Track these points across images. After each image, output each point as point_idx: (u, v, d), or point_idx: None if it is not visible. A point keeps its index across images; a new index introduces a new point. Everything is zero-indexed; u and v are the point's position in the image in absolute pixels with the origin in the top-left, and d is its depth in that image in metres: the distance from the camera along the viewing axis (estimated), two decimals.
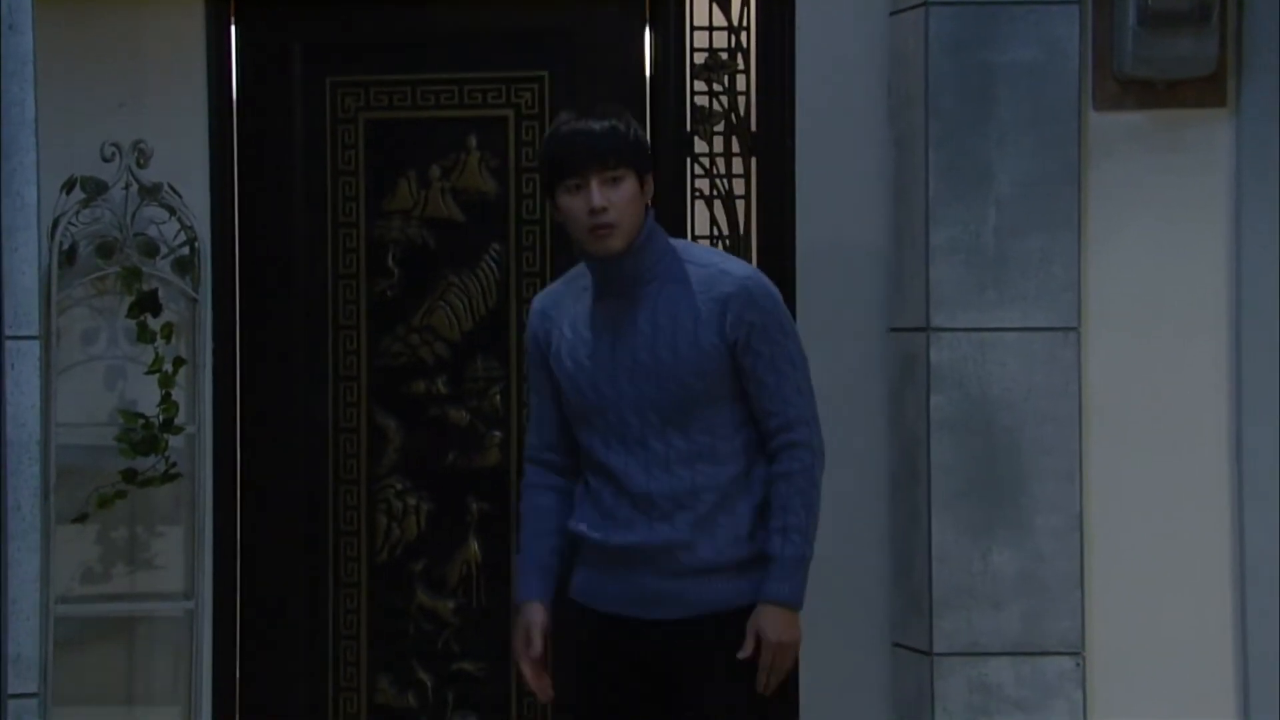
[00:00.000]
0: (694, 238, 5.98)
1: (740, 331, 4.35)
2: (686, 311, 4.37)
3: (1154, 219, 5.84)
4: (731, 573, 4.38)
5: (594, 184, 4.32)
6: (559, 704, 4.63)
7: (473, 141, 5.99)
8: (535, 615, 4.50)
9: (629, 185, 4.34)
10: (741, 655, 4.32)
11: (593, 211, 4.31)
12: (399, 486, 6.04)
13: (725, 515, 4.39)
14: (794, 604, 4.36)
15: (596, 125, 4.35)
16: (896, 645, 5.90)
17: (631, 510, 4.40)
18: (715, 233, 6.02)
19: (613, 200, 4.32)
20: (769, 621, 4.34)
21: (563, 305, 4.52)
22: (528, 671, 4.51)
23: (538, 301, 4.59)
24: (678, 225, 5.95)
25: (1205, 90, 5.80)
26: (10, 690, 4.99)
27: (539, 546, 4.57)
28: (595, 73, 5.96)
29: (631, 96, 5.89)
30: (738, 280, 4.38)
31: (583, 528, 4.47)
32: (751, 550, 4.38)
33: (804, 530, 4.37)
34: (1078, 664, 5.75)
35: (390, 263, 6.01)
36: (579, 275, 4.50)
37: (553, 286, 4.62)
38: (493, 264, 5.97)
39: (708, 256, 4.49)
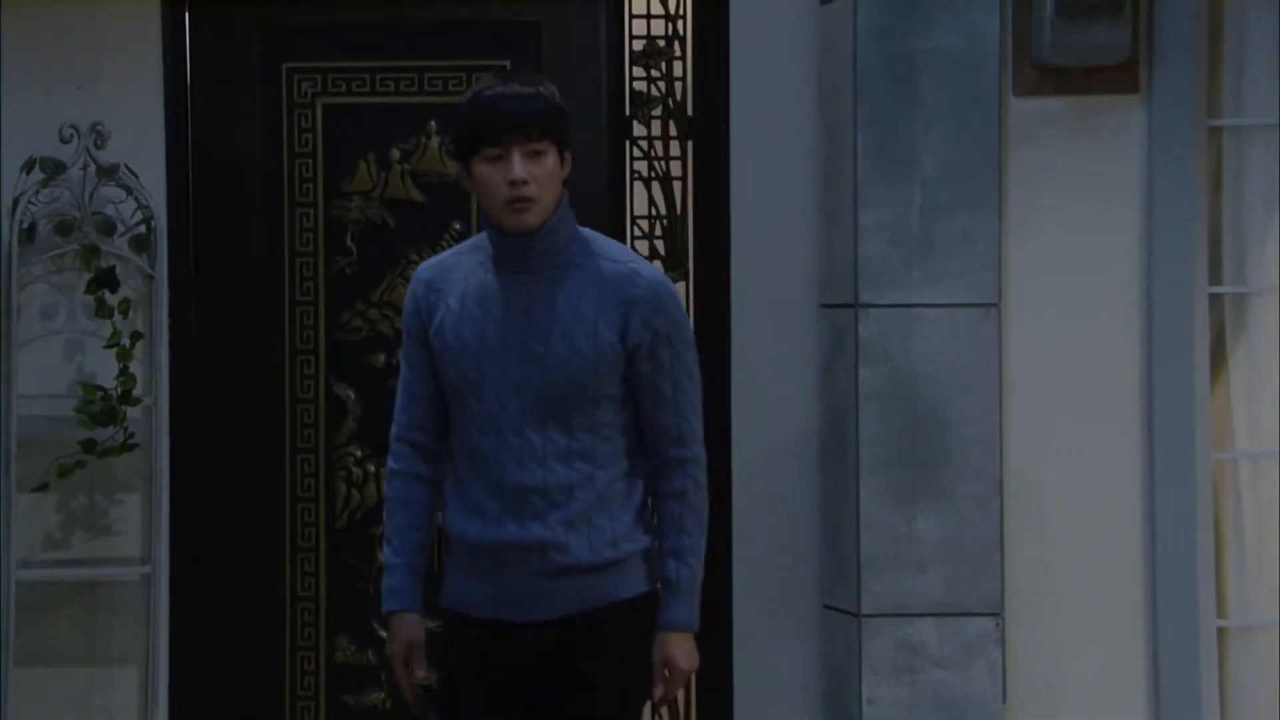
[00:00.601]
0: (633, 218, 5.98)
1: (644, 336, 3.96)
2: (589, 305, 3.96)
3: (1070, 200, 5.82)
4: (604, 572, 3.99)
5: (516, 155, 3.90)
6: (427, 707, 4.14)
7: (433, 126, 5.88)
8: (415, 633, 4.07)
9: (551, 159, 3.94)
10: (657, 697, 4.03)
11: (513, 183, 3.90)
12: (359, 454, 5.94)
13: (600, 516, 3.99)
14: (694, 628, 4.03)
15: (523, 91, 3.95)
16: (826, 607, 5.88)
17: (501, 506, 3.96)
18: (653, 213, 5.99)
19: (534, 173, 3.91)
20: (679, 650, 4.01)
21: (452, 278, 4.06)
22: (404, 686, 4.09)
23: (424, 272, 4.11)
24: (617, 206, 5.96)
25: (1119, 77, 5.78)
26: None
27: (409, 545, 4.10)
28: (556, 61, 5.88)
29: (589, 84, 5.88)
30: (649, 283, 3.99)
31: (457, 529, 4.03)
32: (625, 552, 3.99)
33: (698, 553, 4.02)
34: (997, 624, 5.72)
35: (349, 241, 5.90)
36: (475, 248, 4.09)
37: (442, 257, 4.16)
38: (454, 242, 5.81)
39: (618, 252, 4.08)
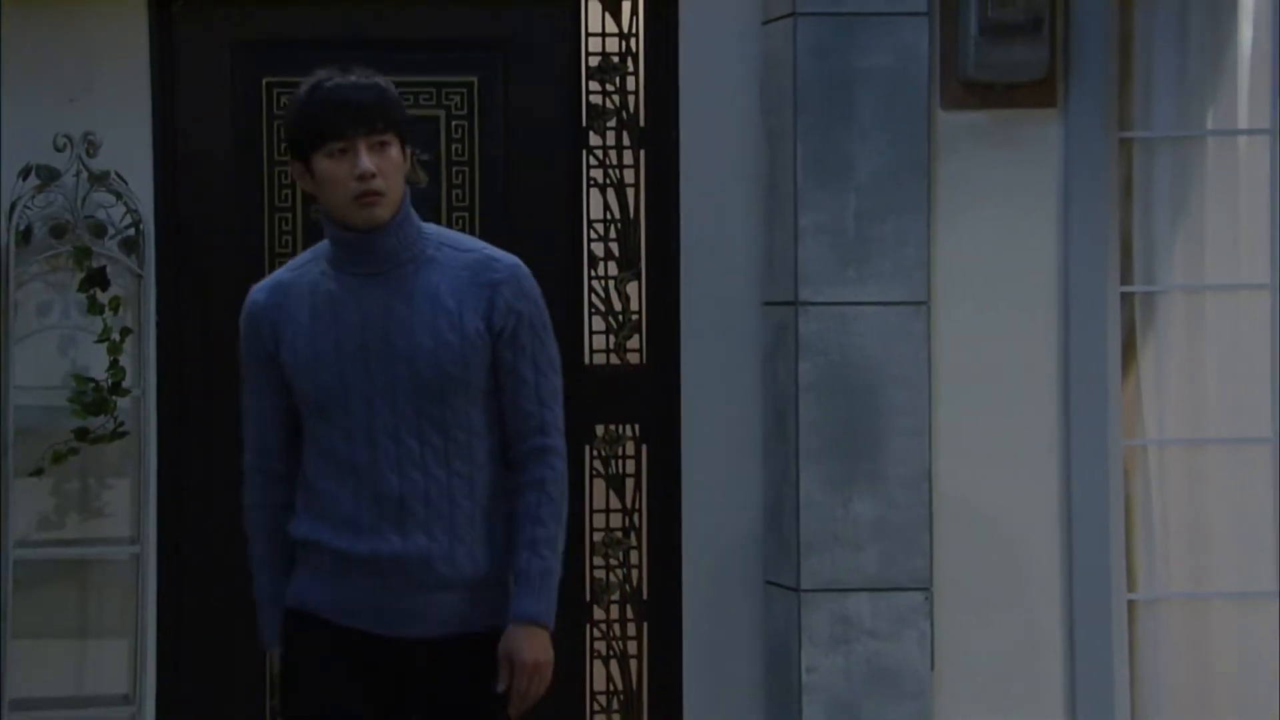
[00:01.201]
0: (589, 222, 5.95)
1: (509, 320, 3.60)
2: (449, 294, 3.59)
3: (994, 206, 5.84)
4: (487, 591, 3.61)
5: (361, 147, 3.51)
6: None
7: None
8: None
9: (394, 150, 3.57)
10: (500, 688, 3.58)
11: (361, 177, 3.51)
12: None
13: (483, 525, 3.60)
14: (546, 622, 3.62)
15: (363, 83, 3.57)
16: (769, 583, 5.87)
17: (378, 516, 3.55)
18: (608, 217, 5.96)
19: (381, 166, 3.53)
20: (523, 643, 3.59)
21: (294, 293, 3.63)
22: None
23: (259, 294, 3.69)
24: (575, 210, 5.92)
25: (1038, 92, 5.78)
26: None
27: (278, 578, 3.69)
28: (519, 76, 5.87)
29: (549, 98, 5.85)
30: (508, 267, 3.64)
31: (324, 542, 3.59)
32: (508, 566, 3.65)
33: (554, 544, 3.64)
34: (926, 598, 5.72)
35: None
36: (312, 260, 3.67)
37: (276, 275, 3.73)
38: None
39: (468, 242, 3.73)
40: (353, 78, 3.58)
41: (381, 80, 3.60)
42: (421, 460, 3.55)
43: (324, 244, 3.66)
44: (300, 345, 3.58)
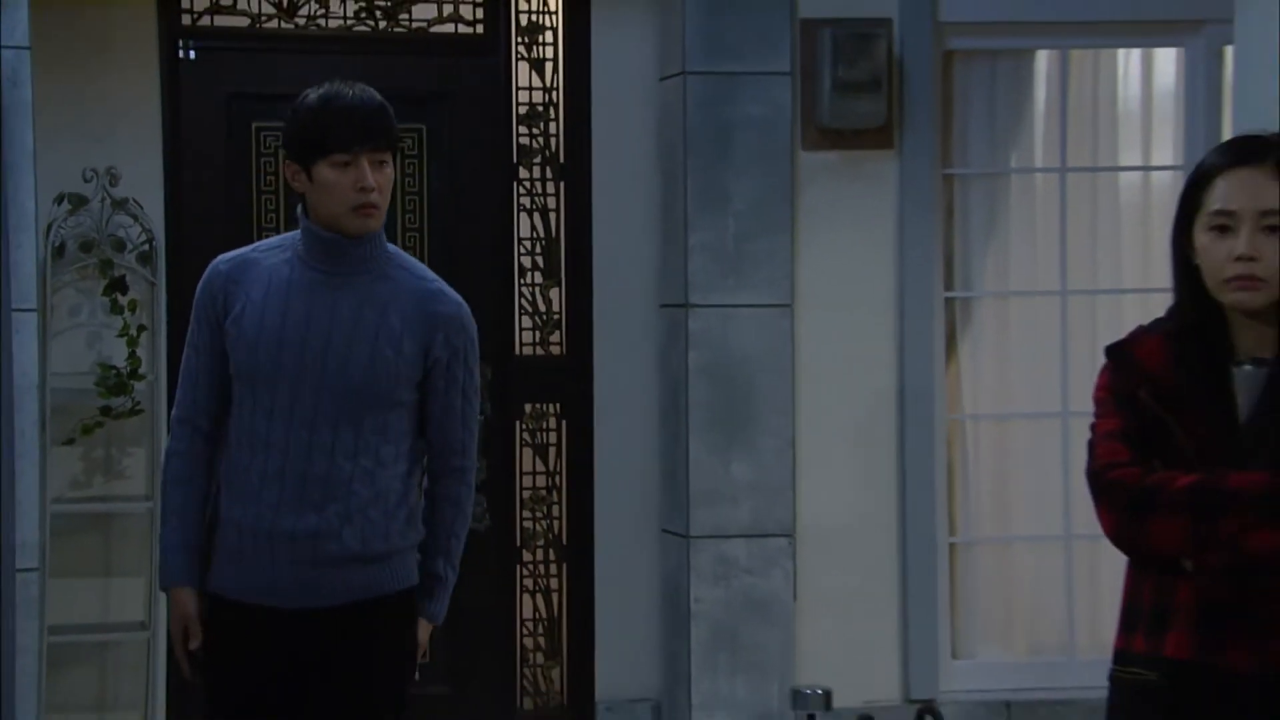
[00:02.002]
0: (519, 239, 5.93)
1: (445, 353, 3.31)
2: (396, 314, 3.29)
3: (844, 229, 5.83)
4: (379, 563, 3.31)
5: (365, 163, 3.23)
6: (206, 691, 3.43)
7: None
8: (190, 606, 3.34)
9: (389, 168, 3.29)
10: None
11: (363, 190, 3.23)
12: None
13: (375, 511, 3.29)
14: (440, 623, 3.46)
15: (372, 103, 3.28)
16: (664, 531, 5.89)
17: (280, 493, 3.25)
18: (535, 235, 5.95)
19: (379, 182, 3.25)
20: (423, 640, 3.42)
21: (253, 271, 3.32)
22: (180, 657, 3.40)
23: (222, 264, 3.37)
24: (507, 230, 5.90)
25: (878, 137, 5.78)
26: (19, 566, 4.95)
27: (186, 524, 3.35)
28: (461, 122, 5.84)
29: (486, 139, 5.83)
30: (454, 304, 3.36)
31: (231, 513, 3.31)
32: (395, 547, 3.33)
33: (460, 555, 3.43)
34: (790, 543, 5.74)
35: None
36: (278, 246, 3.38)
37: (241, 251, 3.41)
38: None
39: (423, 270, 3.41)
40: (361, 94, 3.29)
41: (384, 102, 3.33)
42: (331, 450, 3.25)
43: (295, 235, 3.38)
44: (246, 320, 3.29)
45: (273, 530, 3.27)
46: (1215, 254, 2.77)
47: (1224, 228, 2.77)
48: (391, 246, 3.41)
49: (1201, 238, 2.80)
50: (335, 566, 3.28)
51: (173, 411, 3.45)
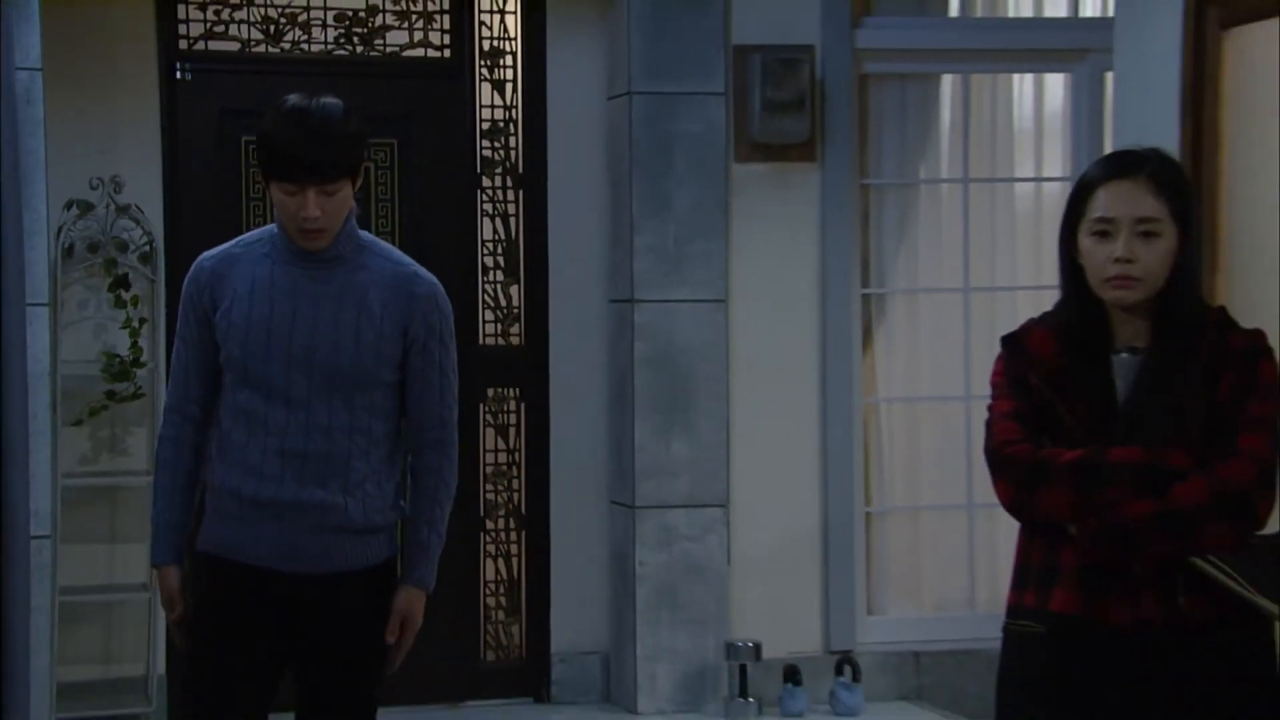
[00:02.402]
0: (483, 241, 5.90)
1: (421, 331, 3.17)
2: (376, 298, 3.15)
3: (773, 232, 5.80)
4: (374, 535, 3.20)
5: (310, 194, 3.05)
6: (192, 655, 3.29)
7: None
8: (174, 581, 3.23)
9: (343, 192, 3.09)
10: (389, 639, 3.22)
11: (308, 218, 3.08)
12: None
13: (373, 486, 3.18)
14: (430, 587, 3.30)
15: (323, 132, 3.03)
16: (612, 502, 5.86)
17: (281, 467, 3.12)
18: (496, 238, 5.92)
19: (325, 208, 3.07)
20: (415, 605, 3.25)
21: (238, 267, 3.18)
22: (175, 629, 3.28)
23: (207, 261, 3.24)
24: (472, 233, 5.87)
25: (803, 151, 5.76)
26: (33, 533, 4.89)
27: (175, 506, 3.23)
28: (430, 137, 5.81)
29: (453, 153, 5.80)
30: (429, 285, 3.22)
31: (230, 485, 3.17)
32: (391, 517, 3.24)
33: (445, 522, 3.29)
34: (724, 512, 5.73)
35: None
36: (258, 242, 3.23)
37: (224, 248, 3.26)
38: None
39: (398, 255, 3.27)
40: (319, 124, 3.05)
41: (347, 124, 3.10)
42: (328, 428, 3.13)
43: (273, 228, 3.24)
44: (235, 314, 3.15)
45: (277, 501, 3.14)
46: (1097, 256, 2.82)
47: (1104, 233, 2.82)
48: (365, 235, 3.25)
49: (1085, 241, 2.84)
50: (338, 536, 3.16)
51: (165, 400, 3.34)
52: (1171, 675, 2.76)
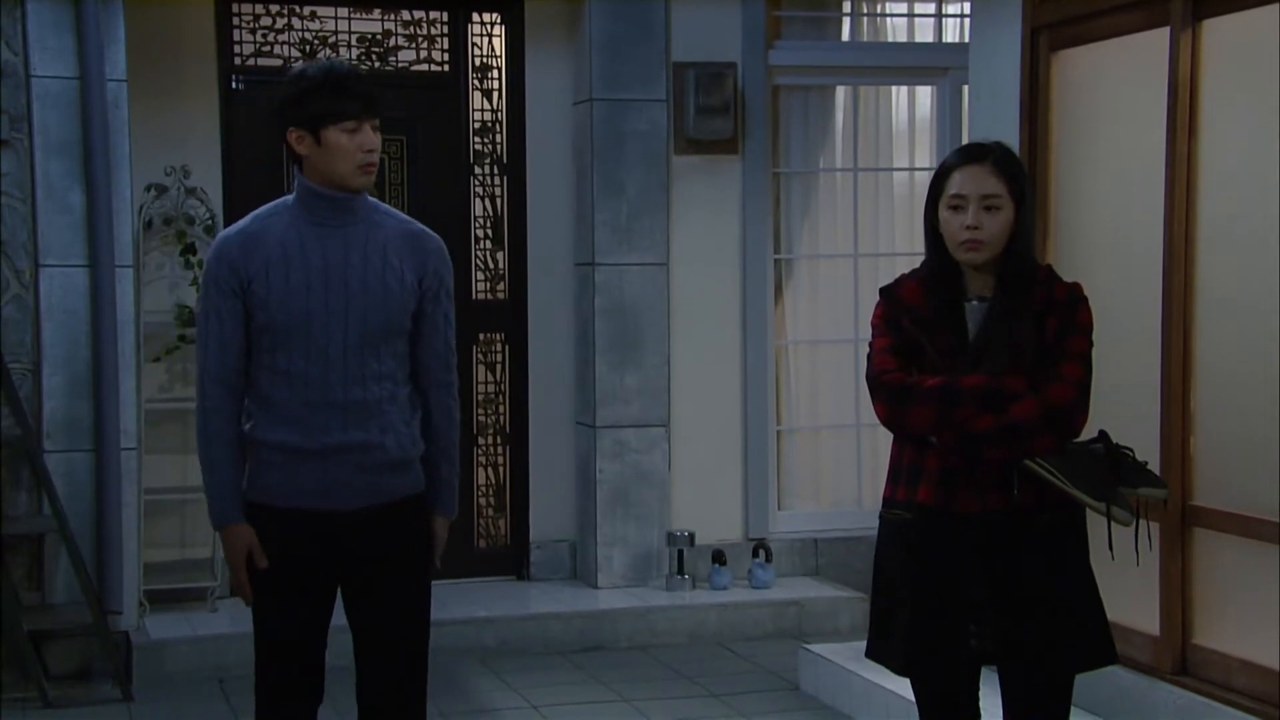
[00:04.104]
0: (475, 218, 5.87)
1: (434, 283, 2.87)
2: (395, 253, 2.83)
3: (704, 212, 5.77)
4: (409, 467, 2.88)
5: (367, 128, 2.77)
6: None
7: None
8: (250, 536, 2.82)
9: (380, 135, 2.84)
10: (437, 564, 2.96)
11: (369, 151, 2.78)
12: None
13: (402, 424, 2.85)
14: (454, 514, 3.01)
15: (362, 76, 2.81)
16: (578, 423, 5.82)
17: (326, 417, 2.79)
18: (486, 214, 5.88)
19: (377, 145, 2.81)
20: (444, 530, 2.97)
21: (264, 238, 2.80)
22: (245, 582, 2.85)
23: (236, 238, 2.83)
24: (465, 211, 5.83)
25: (728, 145, 5.73)
26: (123, 446, 4.92)
27: (233, 472, 2.82)
28: (430, 135, 5.75)
29: (450, 147, 5.74)
30: (436, 240, 2.93)
31: (276, 439, 2.80)
32: (418, 450, 2.89)
33: (457, 457, 2.98)
34: (665, 432, 5.70)
35: None
36: (274, 214, 2.85)
37: (243, 224, 2.87)
38: None
39: (403, 215, 2.95)
40: (354, 69, 2.82)
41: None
42: (361, 378, 2.80)
43: (283, 201, 2.88)
44: (274, 279, 2.78)
45: (324, 447, 2.80)
46: (952, 225, 2.85)
47: (958, 207, 2.84)
48: (369, 198, 2.90)
49: (943, 213, 2.87)
50: (383, 472, 2.84)
51: (205, 372, 2.84)
52: (1008, 551, 2.77)
